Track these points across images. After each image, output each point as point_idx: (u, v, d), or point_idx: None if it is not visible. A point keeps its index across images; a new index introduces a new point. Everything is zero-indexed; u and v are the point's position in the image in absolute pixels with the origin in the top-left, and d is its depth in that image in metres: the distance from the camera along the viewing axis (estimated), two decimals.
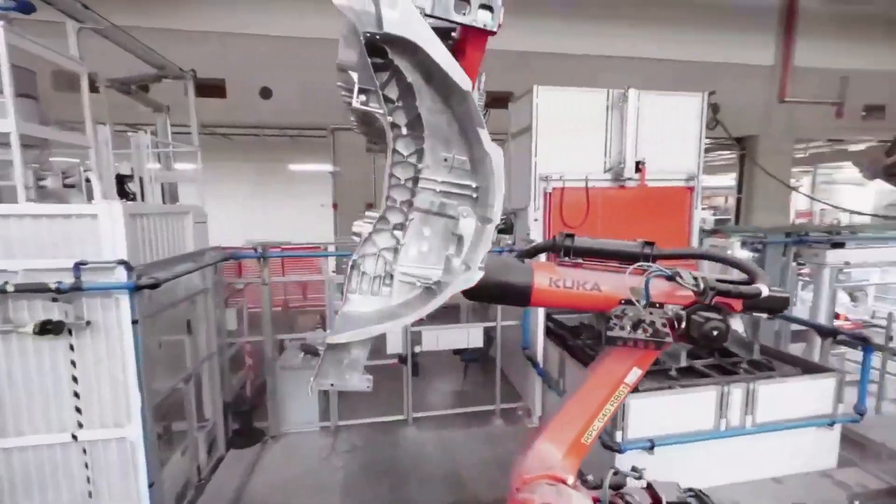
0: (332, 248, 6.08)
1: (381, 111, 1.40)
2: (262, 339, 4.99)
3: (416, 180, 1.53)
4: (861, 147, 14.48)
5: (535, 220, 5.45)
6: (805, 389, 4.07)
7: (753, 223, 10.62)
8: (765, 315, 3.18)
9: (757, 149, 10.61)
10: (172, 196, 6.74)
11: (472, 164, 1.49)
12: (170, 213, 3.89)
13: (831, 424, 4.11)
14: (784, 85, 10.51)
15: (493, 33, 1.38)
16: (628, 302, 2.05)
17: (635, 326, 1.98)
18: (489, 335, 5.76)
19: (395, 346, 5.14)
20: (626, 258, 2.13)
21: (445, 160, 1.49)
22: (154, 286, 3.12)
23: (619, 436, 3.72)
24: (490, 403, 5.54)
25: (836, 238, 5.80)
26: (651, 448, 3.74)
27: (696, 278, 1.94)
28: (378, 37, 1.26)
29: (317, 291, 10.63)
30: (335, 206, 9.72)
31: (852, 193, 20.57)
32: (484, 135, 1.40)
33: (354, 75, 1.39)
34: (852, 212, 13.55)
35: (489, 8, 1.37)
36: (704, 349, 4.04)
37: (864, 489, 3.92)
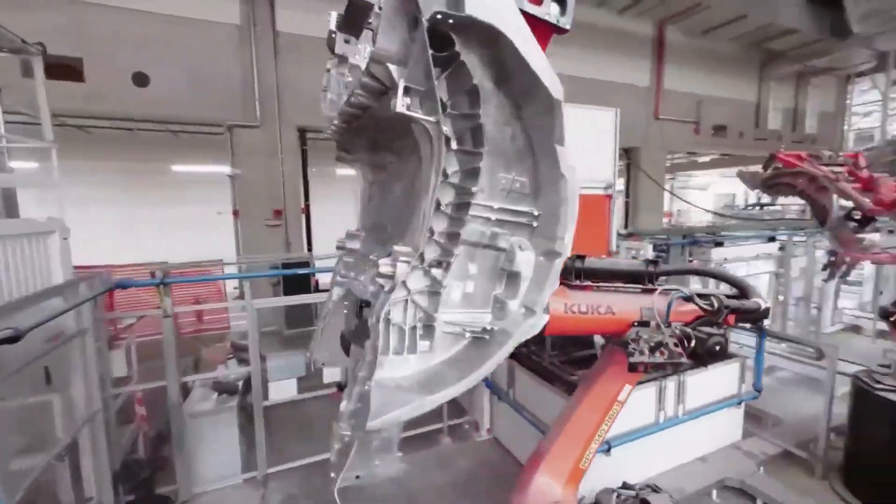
0: (234, 268, 5.20)
1: (432, 119, 1.06)
2: (165, 383, 4.03)
3: (461, 206, 1.22)
4: (707, 159, 17.60)
5: None
6: (720, 375, 4.63)
7: (639, 223, 12.11)
8: (748, 325, 3.49)
9: (640, 158, 12.14)
10: (8, 206, 5.14)
11: (534, 188, 1.23)
12: (28, 233, 2.87)
13: (739, 403, 4.73)
14: (658, 104, 12.18)
15: (565, 31, 1.15)
16: (640, 323, 2.00)
17: (653, 350, 1.92)
18: None
19: (333, 373, 4.59)
20: (633, 278, 2.08)
21: (503, 182, 1.21)
22: (13, 340, 2.24)
23: None
24: (436, 422, 5.28)
25: (717, 238, 6.84)
26: (608, 450, 3.86)
27: (708, 298, 1.96)
28: (451, 21, 0.94)
29: (215, 313, 9.19)
30: (236, 213, 8.51)
31: (698, 196, 25.50)
32: (562, 154, 1.15)
33: (394, 69, 1.04)
34: (705, 209, 16.51)
35: (560, 2, 1.13)
36: (706, 363, 4.29)
37: (766, 455, 4.58)
